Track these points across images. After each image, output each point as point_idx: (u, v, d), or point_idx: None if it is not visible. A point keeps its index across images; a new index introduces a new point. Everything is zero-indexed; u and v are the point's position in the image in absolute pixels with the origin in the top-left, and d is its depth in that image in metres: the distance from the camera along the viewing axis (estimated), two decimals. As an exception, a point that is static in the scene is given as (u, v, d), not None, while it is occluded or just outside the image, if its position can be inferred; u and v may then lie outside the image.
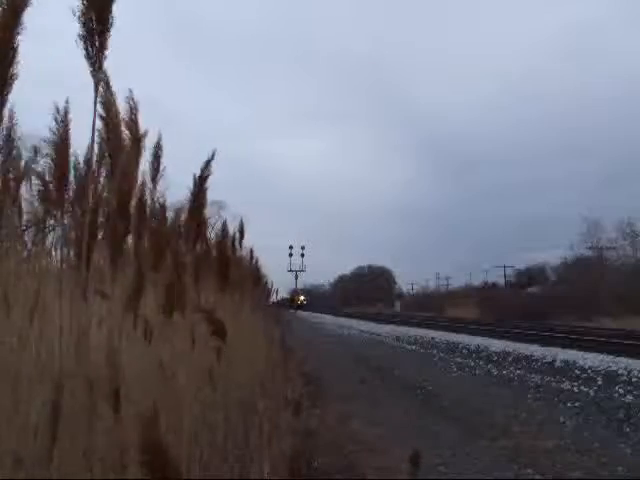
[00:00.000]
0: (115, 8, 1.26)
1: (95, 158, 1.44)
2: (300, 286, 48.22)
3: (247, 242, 3.60)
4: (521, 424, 4.03)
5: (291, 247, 43.56)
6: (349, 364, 8.07)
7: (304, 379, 5.53)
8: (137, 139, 1.54)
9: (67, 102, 1.35)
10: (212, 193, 2.05)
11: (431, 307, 39.62)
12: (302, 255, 43.98)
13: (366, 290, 58.25)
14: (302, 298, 55.21)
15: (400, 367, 7.49)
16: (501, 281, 41.36)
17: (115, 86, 1.41)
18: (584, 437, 3.68)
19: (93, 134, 1.36)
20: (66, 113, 1.36)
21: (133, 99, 1.54)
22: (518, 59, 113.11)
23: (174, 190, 2.01)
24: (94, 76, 1.26)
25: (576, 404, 4.74)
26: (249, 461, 1.91)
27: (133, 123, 1.53)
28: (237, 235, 3.19)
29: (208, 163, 1.94)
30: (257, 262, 4.88)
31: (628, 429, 3.88)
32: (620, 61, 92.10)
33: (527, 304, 27.24)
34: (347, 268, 68.02)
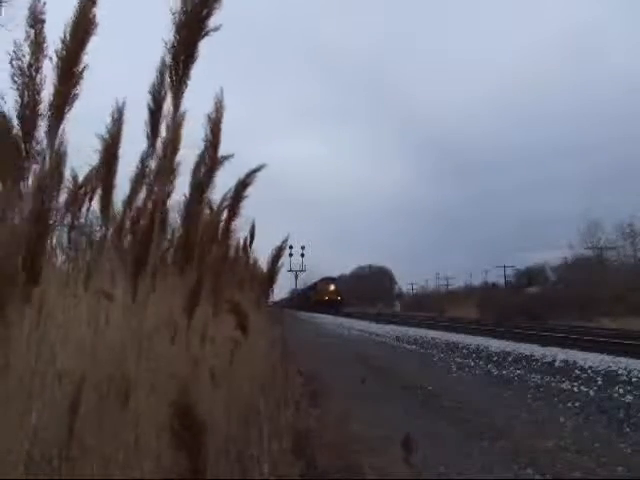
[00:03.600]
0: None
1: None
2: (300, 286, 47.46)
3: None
4: (521, 424, 4.03)
5: (291, 247, 43.19)
6: (349, 364, 8.06)
7: (304, 378, 5.52)
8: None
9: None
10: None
11: (431, 307, 39.60)
12: (302, 255, 43.77)
13: (366, 290, 57.96)
14: (332, 288, 37.15)
15: (400, 367, 7.49)
16: (501, 281, 41.37)
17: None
18: (584, 437, 3.68)
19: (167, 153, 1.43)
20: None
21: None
22: (518, 59, 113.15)
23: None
24: (174, 103, 1.32)
25: (576, 404, 4.74)
26: (249, 461, 1.90)
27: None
28: (247, 238, 3.23)
29: (253, 172, 2.01)
30: (258, 262, 4.89)
31: (628, 429, 3.88)
32: (620, 61, 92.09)
33: (527, 304, 27.22)
34: (347, 268, 67.73)
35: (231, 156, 1.79)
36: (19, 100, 1.20)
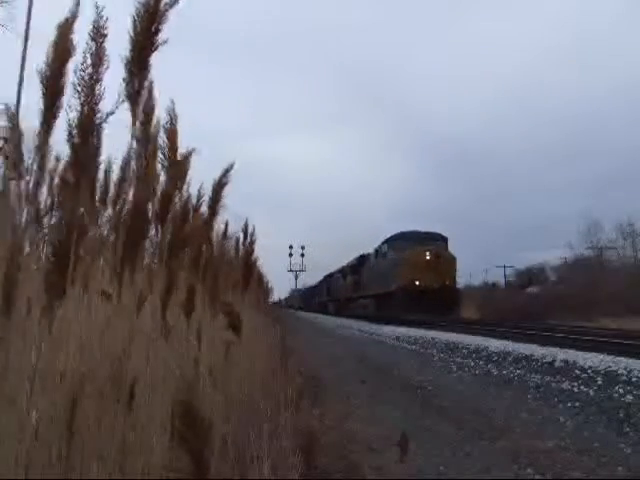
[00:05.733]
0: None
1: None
2: (300, 286, 47.07)
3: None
4: (521, 424, 4.03)
5: (291, 247, 43.38)
6: (349, 364, 8.06)
7: (303, 379, 5.52)
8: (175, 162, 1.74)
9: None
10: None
11: (431, 307, 39.47)
12: (302, 255, 43.81)
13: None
14: (430, 259, 18.28)
15: (400, 367, 7.49)
16: (501, 281, 41.43)
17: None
18: (584, 437, 3.68)
19: (129, 162, 1.60)
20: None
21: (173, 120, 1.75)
22: (520, 62, 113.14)
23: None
24: (132, 113, 1.42)
25: (576, 404, 4.74)
26: (249, 461, 1.90)
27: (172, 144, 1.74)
28: (241, 236, 3.25)
29: (227, 172, 2.06)
30: (256, 262, 4.90)
31: (628, 429, 3.87)
32: (620, 63, 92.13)
33: (527, 304, 27.22)
34: (348, 268, 67.44)
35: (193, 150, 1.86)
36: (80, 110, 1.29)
